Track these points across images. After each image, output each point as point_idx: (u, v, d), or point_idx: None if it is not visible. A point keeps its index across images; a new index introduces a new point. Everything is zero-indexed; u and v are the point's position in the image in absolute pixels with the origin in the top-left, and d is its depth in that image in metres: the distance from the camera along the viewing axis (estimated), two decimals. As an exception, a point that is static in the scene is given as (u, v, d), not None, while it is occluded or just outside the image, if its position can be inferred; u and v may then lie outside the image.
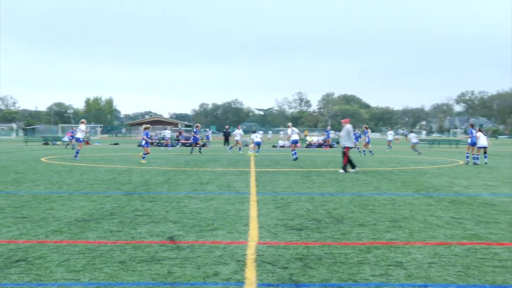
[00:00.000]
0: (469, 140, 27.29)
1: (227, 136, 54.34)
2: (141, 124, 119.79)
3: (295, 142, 28.99)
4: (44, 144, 59.90)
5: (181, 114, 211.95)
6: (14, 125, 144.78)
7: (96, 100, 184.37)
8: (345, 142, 21.00)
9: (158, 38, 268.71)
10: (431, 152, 42.37)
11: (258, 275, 5.90)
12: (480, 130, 27.90)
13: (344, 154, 20.50)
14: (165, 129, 65.14)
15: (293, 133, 29.09)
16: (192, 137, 37.67)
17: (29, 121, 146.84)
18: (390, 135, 49.80)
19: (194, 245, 7.36)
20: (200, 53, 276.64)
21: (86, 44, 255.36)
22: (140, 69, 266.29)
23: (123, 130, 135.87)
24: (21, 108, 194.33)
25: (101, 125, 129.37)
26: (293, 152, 28.59)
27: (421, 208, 10.91)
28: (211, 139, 60.86)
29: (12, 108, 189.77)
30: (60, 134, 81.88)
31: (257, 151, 34.53)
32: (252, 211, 10.35)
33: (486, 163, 26.27)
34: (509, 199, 12.43)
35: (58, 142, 59.82)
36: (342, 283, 5.68)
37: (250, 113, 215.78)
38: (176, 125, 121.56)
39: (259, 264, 6.37)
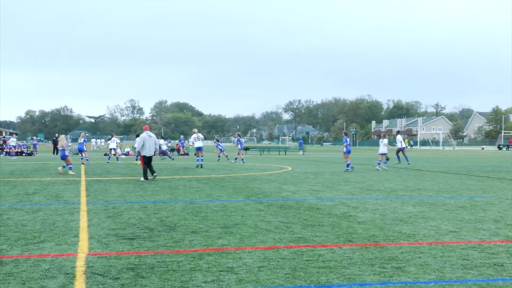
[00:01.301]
0: (345, 149, 26.47)
1: (56, 145, 52.21)
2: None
3: (199, 149, 29.49)
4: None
5: (5, 121, 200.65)
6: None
7: None
8: (141, 150, 20.76)
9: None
10: (260, 159, 43.67)
11: (88, 287, 5.72)
12: (384, 137, 29.05)
13: (143, 161, 20.62)
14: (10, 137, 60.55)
15: (197, 139, 30.05)
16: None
17: None
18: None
19: (19, 259, 6.98)
20: (25, 56, 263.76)
21: None
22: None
23: None
24: None
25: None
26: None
27: (252, 214, 11.19)
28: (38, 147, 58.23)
29: None
30: None
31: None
32: (82, 222, 10.03)
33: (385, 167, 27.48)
34: (333, 203, 13.11)
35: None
36: (174, 291, 5.67)
37: (81, 121, 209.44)
38: (0, 133, 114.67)
39: (88, 276, 6.18)
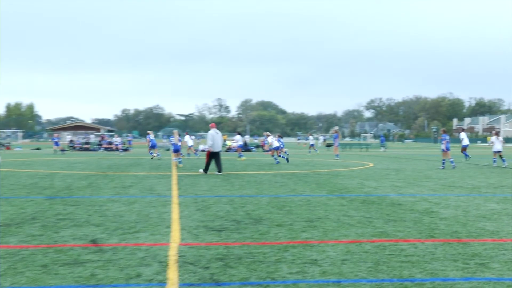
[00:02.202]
0: (444, 147, 25.67)
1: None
2: (63, 129, 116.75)
3: (277, 149, 29.79)
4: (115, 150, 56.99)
5: (104, 119, 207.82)
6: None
7: (17, 106, 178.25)
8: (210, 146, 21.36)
9: (79, 43, 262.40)
10: (343, 155, 43.32)
11: (180, 275, 5.86)
12: (498, 134, 28.35)
13: (208, 156, 21.31)
14: (113, 136, 62.76)
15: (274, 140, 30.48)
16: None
17: None
18: (311, 140, 51.14)
19: (117, 248, 7.23)
20: (121, 59, 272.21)
21: (6, 50, 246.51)
22: (62, 74, 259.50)
23: (45, 135, 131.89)
24: None
25: (23, 130, 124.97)
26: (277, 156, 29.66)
27: (335, 208, 11.13)
28: (132, 143, 59.90)
29: None
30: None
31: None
32: (174, 214, 10.27)
33: (506, 166, 26.56)
34: (414, 199, 12.85)
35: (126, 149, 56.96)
36: (260, 281, 5.72)
37: (171, 118, 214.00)
38: (98, 130, 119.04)
39: (181, 264, 6.33)
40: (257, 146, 56.93)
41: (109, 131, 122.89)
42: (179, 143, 27.47)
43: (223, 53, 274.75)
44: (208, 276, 5.87)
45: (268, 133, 34.76)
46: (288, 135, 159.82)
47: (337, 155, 35.33)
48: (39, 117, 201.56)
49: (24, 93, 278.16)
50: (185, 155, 35.74)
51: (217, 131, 21.55)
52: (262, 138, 59.90)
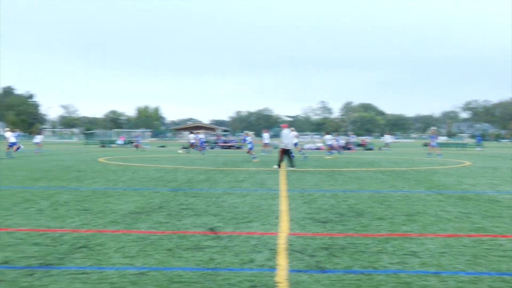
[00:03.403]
0: None
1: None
2: (184, 129, 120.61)
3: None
4: (101, 146, 60.63)
5: (219, 120, 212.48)
6: (75, 130, 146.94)
7: (145, 108, 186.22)
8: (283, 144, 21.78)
9: (197, 51, 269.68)
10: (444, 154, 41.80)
11: (289, 262, 5.89)
12: None
13: (281, 153, 21.64)
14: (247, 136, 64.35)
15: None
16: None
17: (88, 127, 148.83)
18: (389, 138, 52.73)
19: (232, 235, 7.37)
20: (235, 65, 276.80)
21: (136, 59, 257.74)
22: (184, 80, 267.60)
23: (169, 134, 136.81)
24: (82, 115, 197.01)
25: (150, 130, 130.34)
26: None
27: (433, 204, 10.76)
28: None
29: (73, 115, 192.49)
30: (114, 138, 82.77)
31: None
32: (282, 206, 10.33)
33: None
34: (512, 196, 12.18)
35: (113, 145, 60.66)
36: (363, 269, 5.64)
37: (279, 119, 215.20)
38: (214, 130, 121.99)
39: (289, 252, 6.36)
40: (358, 145, 56.14)
41: (224, 131, 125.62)
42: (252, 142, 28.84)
43: (325, 58, 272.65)
44: (314, 263, 5.86)
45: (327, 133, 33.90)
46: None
47: (439, 154, 34.42)
48: (164, 118, 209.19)
49: (152, 97, 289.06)
50: (264, 152, 35.69)
51: (289, 130, 22.16)
52: (363, 138, 59.12)
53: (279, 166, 21.39)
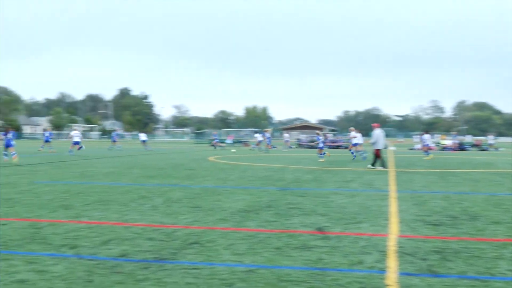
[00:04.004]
0: None
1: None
2: (291, 129, 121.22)
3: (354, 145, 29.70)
4: (210, 145, 62.35)
5: (327, 120, 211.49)
6: (186, 130, 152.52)
7: (254, 108, 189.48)
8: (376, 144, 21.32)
9: (306, 51, 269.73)
10: None
11: (400, 265, 5.75)
12: None
13: (377, 153, 21.17)
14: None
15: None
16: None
17: (199, 126, 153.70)
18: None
19: (341, 236, 7.32)
20: (341, 65, 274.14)
21: (245, 59, 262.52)
22: (290, 81, 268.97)
23: (276, 134, 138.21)
24: (192, 115, 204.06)
25: (258, 129, 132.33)
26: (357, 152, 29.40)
27: (557, 209, 10.06)
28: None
29: (185, 115, 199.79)
30: (223, 137, 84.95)
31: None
32: (392, 207, 10.10)
33: None
34: None
35: (222, 144, 62.22)
36: (478, 275, 5.39)
37: (387, 119, 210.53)
38: (321, 129, 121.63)
39: (399, 255, 6.21)
40: (473, 146, 53.70)
41: (332, 130, 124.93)
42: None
43: (436, 56, 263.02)
44: (426, 267, 5.68)
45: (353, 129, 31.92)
46: (505, 135, 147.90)
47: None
48: (271, 118, 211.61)
49: (260, 97, 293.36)
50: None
51: (382, 130, 21.69)
52: (481, 138, 56.66)
53: (379, 166, 20.86)
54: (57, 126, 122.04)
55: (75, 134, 35.57)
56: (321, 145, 28.83)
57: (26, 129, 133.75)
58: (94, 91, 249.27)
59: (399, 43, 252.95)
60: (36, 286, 5.01)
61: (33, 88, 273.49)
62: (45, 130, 41.09)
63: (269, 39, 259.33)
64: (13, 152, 25.23)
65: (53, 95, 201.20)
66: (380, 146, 21.33)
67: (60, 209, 9.55)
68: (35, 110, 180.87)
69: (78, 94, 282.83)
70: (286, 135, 59.36)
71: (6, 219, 8.45)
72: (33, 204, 10.15)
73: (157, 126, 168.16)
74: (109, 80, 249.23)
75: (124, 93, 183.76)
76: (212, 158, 29.39)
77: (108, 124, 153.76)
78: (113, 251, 6.34)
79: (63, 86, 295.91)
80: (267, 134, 44.36)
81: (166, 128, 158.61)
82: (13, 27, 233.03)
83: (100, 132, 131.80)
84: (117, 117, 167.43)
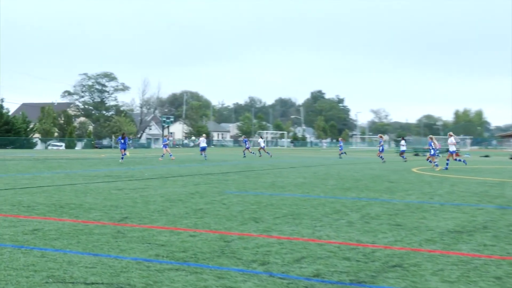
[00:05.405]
0: None
1: None
2: (510, 136, 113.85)
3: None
4: (414, 155, 60.85)
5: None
6: (386, 137, 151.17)
7: (465, 112, 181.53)
8: None
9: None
10: None
11: None
12: None
13: None
14: None
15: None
16: None
17: (400, 133, 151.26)
18: None
19: None
20: None
21: (451, 57, 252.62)
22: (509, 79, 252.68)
23: (494, 142, 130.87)
24: (393, 120, 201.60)
25: (471, 137, 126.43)
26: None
27: None
28: None
29: (384, 120, 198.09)
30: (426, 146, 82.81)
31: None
32: None
33: None
34: None
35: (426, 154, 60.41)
36: None
37: None
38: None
39: None
40: None
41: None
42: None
43: None
44: None
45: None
46: None
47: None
48: (488, 123, 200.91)
49: (472, 100, 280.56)
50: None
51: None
52: None
53: None
54: (245, 132, 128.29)
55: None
56: None
57: (214, 136, 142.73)
58: (284, 95, 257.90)
59: None
60: (226, 303, 5.28)
61: (223, 93, 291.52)
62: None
63: (484, 34, 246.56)
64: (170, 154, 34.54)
65: (242, 99, 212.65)
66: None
67: (250, 222, 10.00)
68: (223, 116, 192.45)
69: (268, 98, 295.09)
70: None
71: (195, 230, 9.05)
72: (222, 216, 10.76)
73: (353, 132, 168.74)
74: (300, 83, 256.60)
75: (317, 96, 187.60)
76: (416, 169, 28.70)
77: (299, 130, 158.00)
78: (306, 270, 6.46)
79: (253, 91, 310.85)
80: None
81: (362, 135, 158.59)
82: (208, 35, 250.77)
83: (289, 139, 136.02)
84: (308, 123, 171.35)
